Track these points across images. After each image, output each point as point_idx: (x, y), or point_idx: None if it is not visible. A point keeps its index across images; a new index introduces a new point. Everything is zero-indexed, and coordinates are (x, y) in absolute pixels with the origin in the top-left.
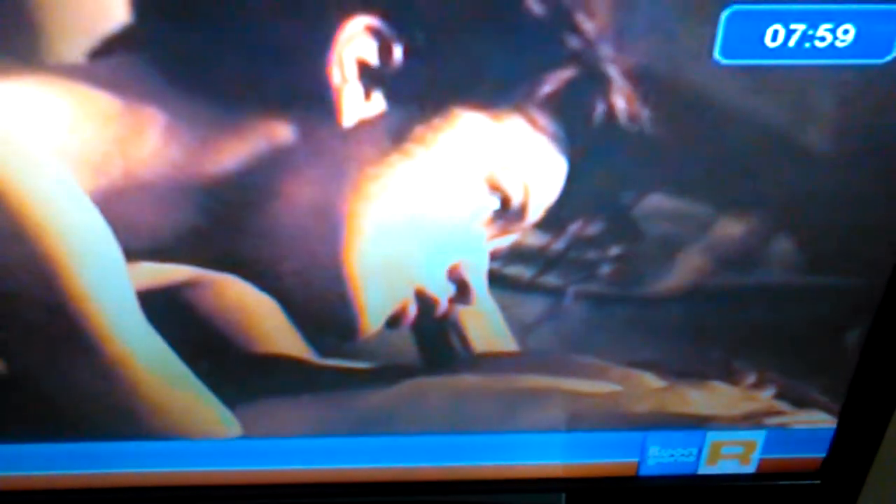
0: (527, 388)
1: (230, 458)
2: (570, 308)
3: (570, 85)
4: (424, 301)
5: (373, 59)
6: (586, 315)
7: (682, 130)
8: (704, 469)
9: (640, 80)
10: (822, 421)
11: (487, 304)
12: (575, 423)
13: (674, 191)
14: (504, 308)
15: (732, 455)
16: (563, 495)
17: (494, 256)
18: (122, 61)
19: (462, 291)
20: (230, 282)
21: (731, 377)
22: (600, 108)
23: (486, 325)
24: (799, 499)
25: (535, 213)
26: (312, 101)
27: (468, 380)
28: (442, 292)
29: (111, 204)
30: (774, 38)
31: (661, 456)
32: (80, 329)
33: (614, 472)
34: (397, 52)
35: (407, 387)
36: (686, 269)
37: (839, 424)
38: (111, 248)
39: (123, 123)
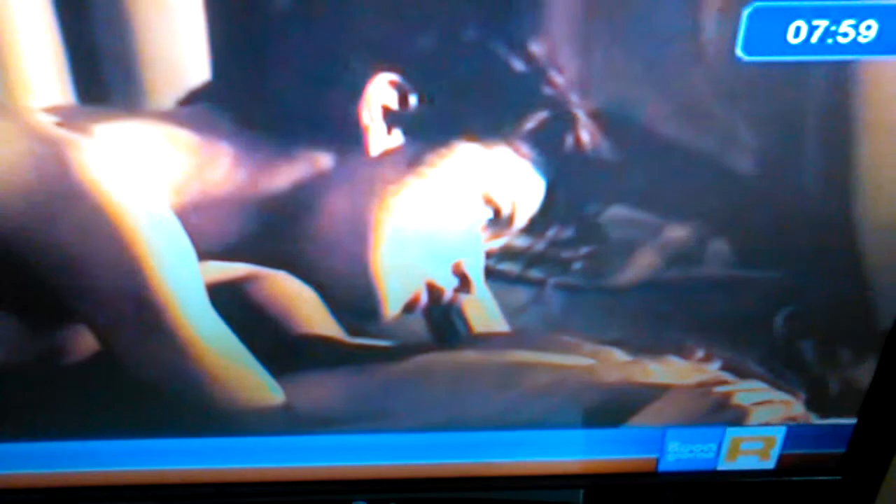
0: (517, 361)
1: (246, 456)
2: (550, 296)
3: (546, 123)
4: (434, 291)
5: (394, 105)
6: (563, 302)
7: (635, 156)
8: (724, 465)
9: (600, 117)
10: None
11: (484, 293)
12: (558, 392)
13: (630, 203)
14: (497, 296)
15: (752, 451)
16: (581, 492)
17: (489, 255)
18: (203, 108)
19: (463, 283)
20: (280, 276)
21: (683, 353)
22: (569, 140)
23: (483, 310)
24: (819, 495)
25: (520, 221)
26: (347, 136)
27: (469, 355)
28: (447, 284)
29: (188, 216)
30: (797, 35)
31: (681, 452)
32: (161, 316)
33: (633, 469)
34: (412, 100)
35: (419, 361)
36: (641, 265)
37: (859, 420)
38: (187, 250)
39: (201, 154)
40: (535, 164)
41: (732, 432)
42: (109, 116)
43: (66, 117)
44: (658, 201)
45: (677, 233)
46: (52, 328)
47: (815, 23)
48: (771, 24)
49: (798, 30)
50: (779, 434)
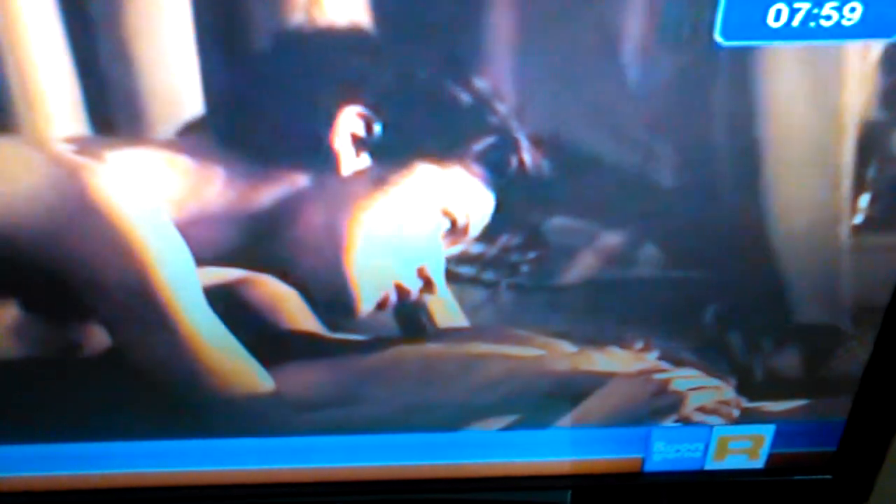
0: (475, 353)
1: (243, 457)
2: (503, 295)
3: (492, 146)
4: (401, 292)
5: (361, 133)
6: (514, 300)
7: (570, 172)
8: (712, 464)
9: (539, 141)
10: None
11: (445, 293)
12: (514, 380)
13: (568, 213)
14: (457, 296)
15: (741, 450)
16: (569, 492)
17: (448, 260)
18: (198, 138)
19: (427, 285)
20: (267, 280)
21: (623, 344)
22: (513, 161)
23: (445, 308)
24: (811, 494)
25: (474, 230)
26: (322, 159)
27: (434, 347)
28: (413, 285)
29: (187, 227)
30: (778, 18)
31: (667, 451)
32: (165, 315)
33: (619, 469)
34: (377, 128)
35: (391, 352)
36: (581, 266)
37: (849, 418)
38: (186, 257)
39: (197, 176)
40: (485, 181)
41: (720, 431)
42: (119, 145)
43: (82, 146)
44: (593, 211)
45: (611, 238)
46: (71, 326)
47: (796, 5)
48: (750, 7)
49: (779, 13)
50: (768, 433)
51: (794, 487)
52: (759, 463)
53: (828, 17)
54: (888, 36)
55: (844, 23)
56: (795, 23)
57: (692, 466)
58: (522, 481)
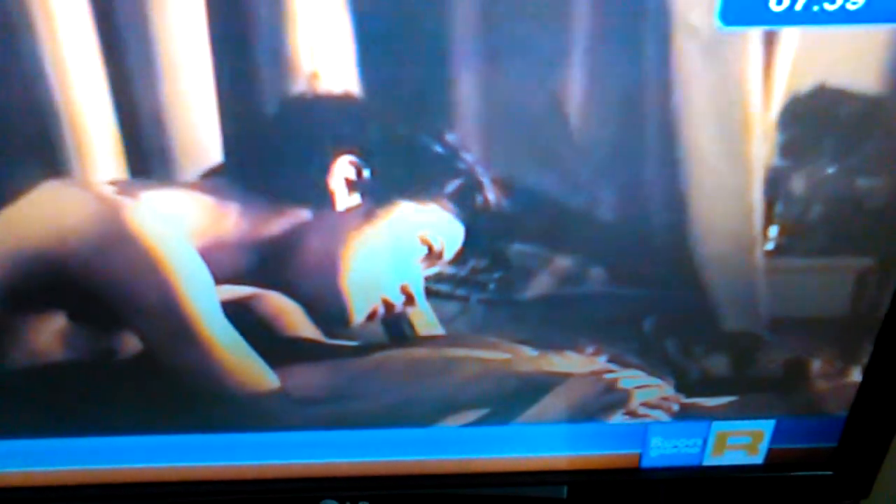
0: (451, 356)
1: (249, 451)
2: (473, 308)
3: (461, 187)
4: (387, 305)
5: (353, 177)
6: (483, 312)
7: (526, 207)
8: (710, 460)
9: (499, 182)
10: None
11: (425, 306)
12: (485, 380)
13: (526, 241)
14: (434, 309)
15: (739, 445)
16: (565, 488)
17: (427, 279)
18: (218, 180)
19: (409, 300)
20: (275, 295)
21: (577, 348)
22: (479, 199)
23: (424, 319)
24: (811, 490)
25: (448, 255)
26: (321, 198)
27: (416, 351)
28: (397, 300)
29: (207, 252)
30: (780, 2)
31: (664, 447)
32: (188, 325)
33: (616, 465)
34: (366, 173)
35: (379, 356)
36: (538, 284)
37: (850, 414)
38: (206, 277)
39: (217, 211)
40: (456, 215)
41: (718, 427)
42: (152, 186)
43: (122, 187)
44: (546, 239)
45: (563, 261)
46: (109, 334)
47: None
48: None
49: None
50: (767, 428)
51: (793, 483)
52: (758, 458)
53: (832, 1)
54: (893, 21)
55: (849, 7)
56: (799, 6)
57: (690, 462)
58: (519, 477)
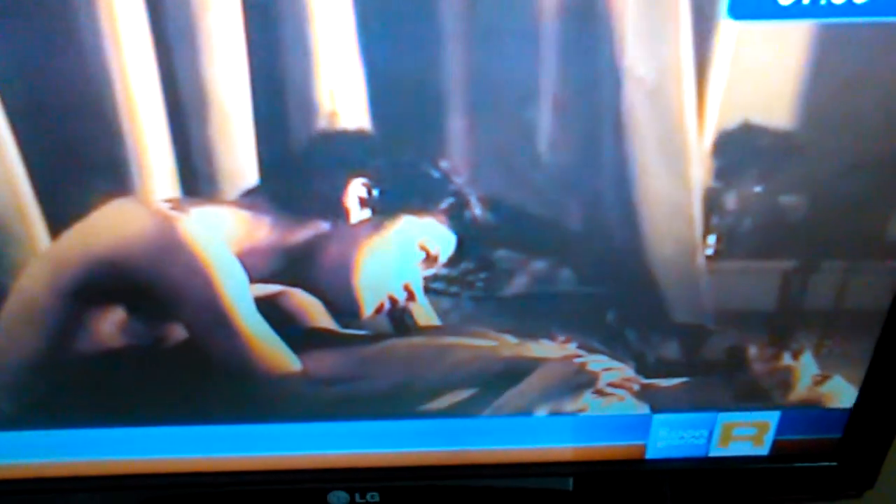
0: (446, 344)
1: (257, 443)
2: (464, 303)
3: (453, 204)
4: (393, 301)
5: (364, 195)
6: (473, 306)
7: (507, 220)
8: (716, 451)
9: (485, 200)
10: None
11: (424, 302)
12: (475, 363)
13: (507, 247)
14: (432, 304)
15: (745, 436)
16: (571, 479)
17: (425, 279)
18: (255, 198)
19: (410, 296)
20: (299, 292)
21: (551, 337)
22: (468, 213)
23: (423, 312)
24: (815, 481)
25: (443, 259)
26: (338, 213)
27: (416, 340)
28: (401, 296)
29: (243, 256)
30: None
31: (670, 438)
32: (226, 316)
33: (621, 456)
34: (375, 192)
35: (386, 343)
36: (519, 283)
37: (854, 405)
38: (242, 277)
39: (252, 223)
40: (449, 226)
41: (724, 418)
42: (200, 203)
43: (175, 204)
44: (524, 246)
45: (538, 264)
46: (160, 324)
47: None
48: None
49: None
50: (772, 419)
51: (798, 474)
52: (763, 450)
53: None
54: None
55: (856, 0)
56: (806, 0)
57: (696, 453)
58: (524, 468)
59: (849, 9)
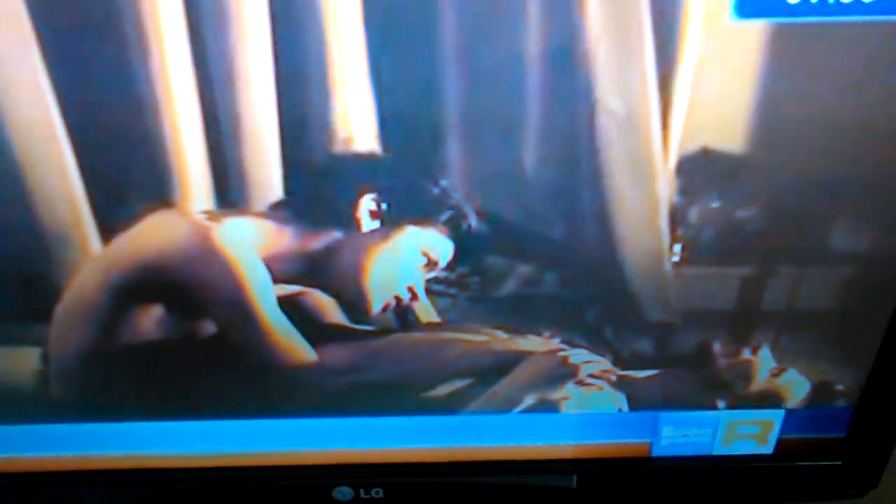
0: (445, 339)
1: (263, 439)
2: (461, 302)
3: (452, 216)
4: (398, 300)
5: (374, 209)
6: (468, 305)
7: (499, 230)
8: (720, 450)
9: (480, 212)
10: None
11: (425, 301)
12: (471, 356)
13: (499, 254)
14: (432, 303)
15: (749, 435)
16: (575, 477)
17: (427, 281)
18: (279, 210)
19: (414, 296)
20: (316, 292)
21: (537, 333)
22: (465, 224)
23: (425, 310)
24: (820, 480)
25: (442, 263)
26: (350, 223)
27: (419, 335)
28: (405, 296)
29: (268, 260)
30: None
31: (675, 436)
32: (252, 314)
33: (626, 453)
34: (384, 206)
35: (392, 337)
36: (510, 285)
37: (859, 404)
38: (266, 278)
39: (277, 231)
40: (448, 235)
41: (728, 416)
42: (232, 214)
43: (211, 214)
44: (514, 252)
45: (525, 268)
46: (193, 320)
47: None
48: None
49: None
50: (777, 418)
51: (802, 473)
52: (767, 448)
53: None
54: None
55: None
56: None
57: (700, 451)
58: (528, 465)
59: (857, 7)
